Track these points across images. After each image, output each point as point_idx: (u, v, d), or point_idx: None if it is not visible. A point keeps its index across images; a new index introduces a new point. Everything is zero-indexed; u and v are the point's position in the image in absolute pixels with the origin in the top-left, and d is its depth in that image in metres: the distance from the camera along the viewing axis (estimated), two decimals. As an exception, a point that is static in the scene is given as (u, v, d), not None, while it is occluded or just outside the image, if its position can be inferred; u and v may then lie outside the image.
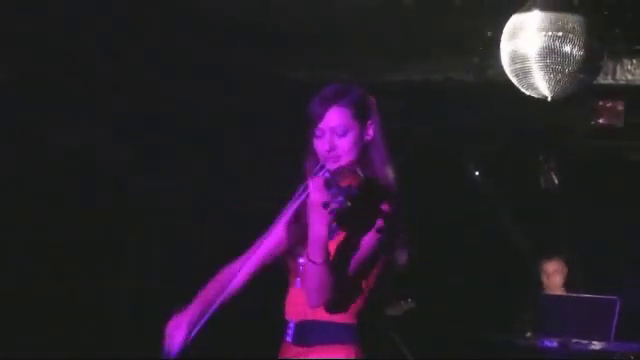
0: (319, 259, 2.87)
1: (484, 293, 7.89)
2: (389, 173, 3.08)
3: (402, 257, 3.01)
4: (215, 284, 3.22)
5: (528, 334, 6.86)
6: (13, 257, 6.58)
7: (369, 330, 3.11)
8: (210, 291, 3.20)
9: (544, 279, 7.22)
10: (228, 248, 3.29)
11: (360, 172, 2.97)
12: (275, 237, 3.19)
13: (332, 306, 3.00)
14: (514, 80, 5.12)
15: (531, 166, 7.63)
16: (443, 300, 7.94)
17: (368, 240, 2.94)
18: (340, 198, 2.77)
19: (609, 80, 5.74)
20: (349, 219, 2.87)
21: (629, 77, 5.74)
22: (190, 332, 3.13)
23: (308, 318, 3.06)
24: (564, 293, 7.07)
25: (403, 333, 7.56)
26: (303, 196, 2.95)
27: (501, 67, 5.13)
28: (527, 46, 5.00)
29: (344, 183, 2.85)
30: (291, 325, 3.11)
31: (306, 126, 3.10)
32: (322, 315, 3.02)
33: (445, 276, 8.06)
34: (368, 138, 3.10)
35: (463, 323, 7.71)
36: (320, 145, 3.06)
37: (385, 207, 2.90)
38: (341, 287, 2.95)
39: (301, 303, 3.04)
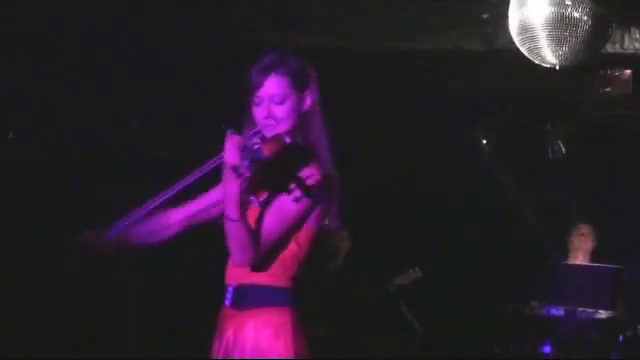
0: (234, 215, 2.96)
1: (490, 262, 7.91)
2: (325, 142, 3.16)
3: (332, 223, 3.10)
4: (148, 224, 3.35)
5: (534, 303, 6.87)
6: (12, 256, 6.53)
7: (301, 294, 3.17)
8: (142, 229, 3.35)
9: (574, 240, 7.11)
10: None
11: (288, 140, 2.96)
12: (212, 197, 3.33)
13: (264, 268, 3.08)
14: (522, 49, 5.11)
15: (539, 135, 7.63)
16: (449, 269, 7.95)
17: (291, 203, 2.93)
18: (246, 162, 2.89)
19: (617, 49, 5.71)
20: (260, 182, 2.91)
21: (637, 46, 5.71)
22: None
23: (245, 282, 3.14)
24: (587, 262, 7.00)
25: (410, 301, 7.59)
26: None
27: (510, 36, 5.12)
28: (535, 15, 4.99)
29: (267, 149, 2.92)
30: (229, 289, 3.19)
31: (245, 93, 3.17)
32: (258, 279, 3.11)
33: (455, 245, 8.07)
34: (306, 107, 3.17)
35: (469, 292, 7.73)
36: (258, 112, 3.14)
37: (310, 173, 2.91)
38: (266, 247, 3.03)
39: (238, 268, 3.12)
